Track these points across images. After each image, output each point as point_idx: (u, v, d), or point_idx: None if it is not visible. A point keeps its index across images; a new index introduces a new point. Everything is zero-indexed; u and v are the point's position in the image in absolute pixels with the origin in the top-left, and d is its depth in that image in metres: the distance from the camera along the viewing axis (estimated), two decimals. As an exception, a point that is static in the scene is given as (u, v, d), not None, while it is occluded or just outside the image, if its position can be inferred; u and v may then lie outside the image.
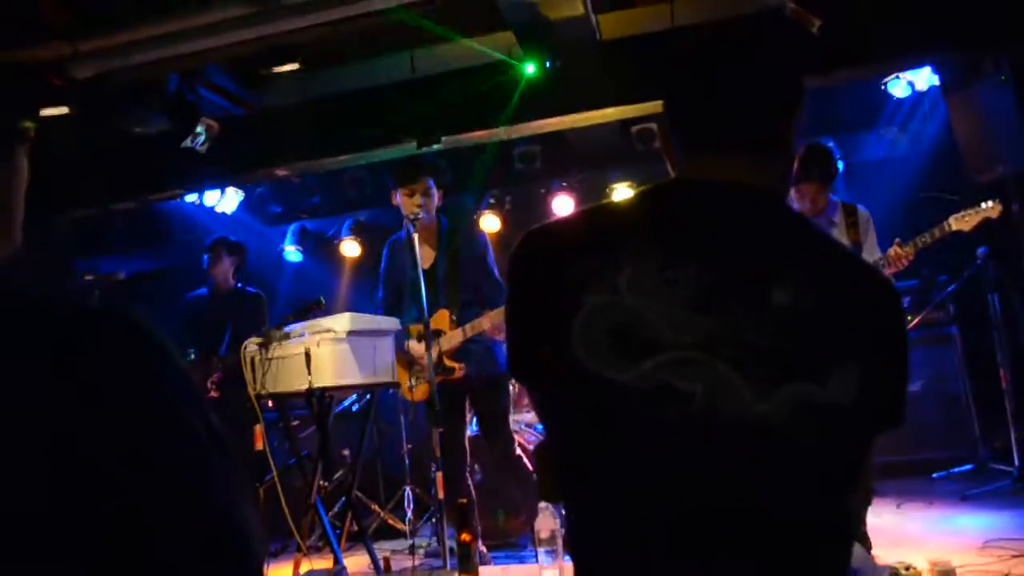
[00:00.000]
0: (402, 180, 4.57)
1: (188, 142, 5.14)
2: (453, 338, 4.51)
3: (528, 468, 4.93)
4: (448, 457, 4.40)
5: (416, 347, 4.59)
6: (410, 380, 4.64)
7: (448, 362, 4.52)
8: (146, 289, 5.57)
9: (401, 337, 4.67)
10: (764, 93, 1.32)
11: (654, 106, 5.22)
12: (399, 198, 4.57)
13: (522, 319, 1.30)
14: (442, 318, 4.57)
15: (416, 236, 4.27)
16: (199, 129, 5.13)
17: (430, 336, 4.22)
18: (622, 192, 7.22)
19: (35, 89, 3.81)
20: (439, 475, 4.16)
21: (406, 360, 4.68)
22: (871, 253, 4.29)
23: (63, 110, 4.49)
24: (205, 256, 5.97)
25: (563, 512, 1.33)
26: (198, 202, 6.65)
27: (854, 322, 1.17)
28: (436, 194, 4.63)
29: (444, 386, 4.45)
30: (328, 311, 4.59)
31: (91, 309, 0.94)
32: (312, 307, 4.49)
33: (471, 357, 4.57)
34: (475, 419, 4.99)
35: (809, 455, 1.13)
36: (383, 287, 4.81)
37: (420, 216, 4.40)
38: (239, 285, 6.01)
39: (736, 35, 1.36)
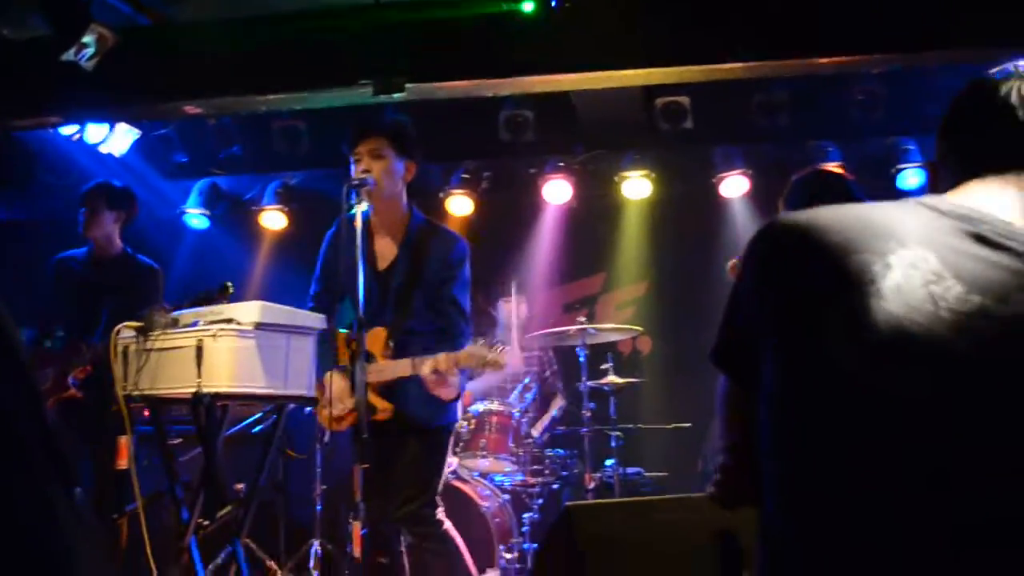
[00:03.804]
0: (348, 139, 4.43)
1: (71, 54, 5.05)
2: (386, 370, 4.33)
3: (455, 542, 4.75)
4: (373, 507, 4.25)
5: (333, 377, 4.38)
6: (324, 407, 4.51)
7: (373, 399, 4.32)
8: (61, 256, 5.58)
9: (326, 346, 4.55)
10: None
11: (685, 72, 5.23)
12: (352, 170, 4.36)
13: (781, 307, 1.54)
14: (376, 339, 4.39)
15: (369, 218, 4.24)
16: (87, 39, 5.05)
17: (363, 351, 4.11)
18: (635, 183, 7.22)
19: None
20: (355, 527, 4.09)
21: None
22: None
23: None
24: (80, 210, 5.79)
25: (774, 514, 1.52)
26: (77, 137, 6.59)
27: None
28: (396, 163, 4.42)
29: (380, 426, 4.27)
30: (236, 298, 4.52)
31: None
32: (214, 296, 4.40)
33: (407, 397, 4.42)
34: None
35: None
36: (318, 281, 4.66)
37: (367, 183, 4.28)
38: (127, 250, 5.88)
39: None
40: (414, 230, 4.47)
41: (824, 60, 5.04)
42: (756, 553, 1.55)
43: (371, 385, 4.28)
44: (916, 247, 1.45)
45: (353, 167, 4.36)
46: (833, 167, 6.63)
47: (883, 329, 1.41)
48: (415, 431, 4.42)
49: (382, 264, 4.48)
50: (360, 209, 4.17)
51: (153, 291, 5.57)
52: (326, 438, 4.75)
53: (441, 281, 4.41)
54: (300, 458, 6.23)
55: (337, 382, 4.38)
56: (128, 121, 6.58)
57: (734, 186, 7.25)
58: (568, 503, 3.41)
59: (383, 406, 4.35)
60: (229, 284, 4.43)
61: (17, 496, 0.93)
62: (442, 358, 4.18)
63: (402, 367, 4.28)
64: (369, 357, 4.30)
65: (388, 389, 4.37)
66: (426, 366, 4.18)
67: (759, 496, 1.55)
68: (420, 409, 4.38)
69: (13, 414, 0.95)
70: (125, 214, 5.83)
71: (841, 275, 1.46)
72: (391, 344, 4.38)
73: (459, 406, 4.57)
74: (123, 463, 4.25)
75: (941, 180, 1.69)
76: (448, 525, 4.58)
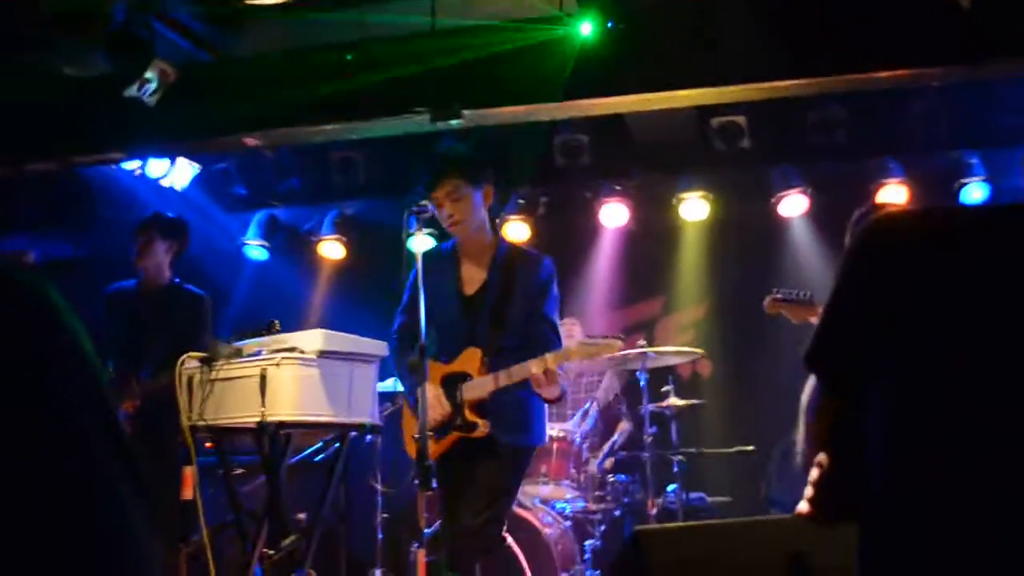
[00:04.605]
0: (426, 184, 4.50)
1: (134, 90, 5.15)
2: (481, 386, 4.40)
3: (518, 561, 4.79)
4: (450, 527, 4.40)
5: (429, 396, 4.46)
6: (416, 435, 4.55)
7: (470, 415, 4.41)
8: (61, 279, 5.56)
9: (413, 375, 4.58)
10: None
11: (745, 91, 5.19)
12: (433, 210, 4.45)
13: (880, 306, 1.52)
14: (472, 358, 4.46)
15: (456, 247, 4.48)
16: (150, 75, 5.14)
17: (425, 376, 4.12)
18: (692, 204, 7.18)
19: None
20: (420, 555, 4.08)
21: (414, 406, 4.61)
22: None
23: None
24: (134, 239, 5.81)
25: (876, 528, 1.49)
26: (139, 172, 6.69)
27: None
28: (473, 197, 4.52)
29: (460, 446, 4.40)
30: (297, 328, 4.56)
31: None
32: (262, 332, 4.44)
33: (497, 415, 4.47)
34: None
35: None
36: (404, 312, 4.70)
37: (456, 226, 4.43)
38: (176, 280, 5.87)
39: None
40: (502, 253, 4.57)
41: (882, 74, 4.98)
42: (867, 568, 1.50)
43: (468, 403, 4.41)
44: None
45: (435, 212, 4.43)
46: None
47: (1013, 339, 1.39)
48: (501, 449, 4.45)
49: (470, 288, 4.56)
50: (420, 235, 4.36)
51: (200, 320, 5.57)
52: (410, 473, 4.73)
53: (533, 300, 4.50)
54: (362, 489, 6.23)
55: (431, 390, 4.39)
56: (188, 155, 6.66)
57: (793, 205, 7.16)
58: (637, 527, 3.37)
59: (482, 423, 4.39)
60: (276, 322, 4.47)
61: (86, 491, 0.93)
62: (550, 356, 4.25)
63: (502, 376, 4.34)
64: (466, 377, 4.43)
65: (482, 408, 4.43)
66: (533, 365, 4.23)
67: (857, 510, 1.51)
68: (509, 428, 4.45)
69: (80, 409, 0.95)
70: (177, 244, 5.84)
71: (971, 287, 1.44)
72: (487, 361, 4.44)
73: (546, 428, 4.66)
74: (188, 493, 4.27)
75: None
76: (511, 542, 4.62)
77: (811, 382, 1.67)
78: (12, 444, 0.88)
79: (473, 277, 4.58)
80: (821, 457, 1.64)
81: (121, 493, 0.95)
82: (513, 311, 4.50)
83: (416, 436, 4.38)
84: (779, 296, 4.74)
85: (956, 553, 1.39)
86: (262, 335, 4.40)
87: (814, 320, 4.48)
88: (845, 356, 1.58)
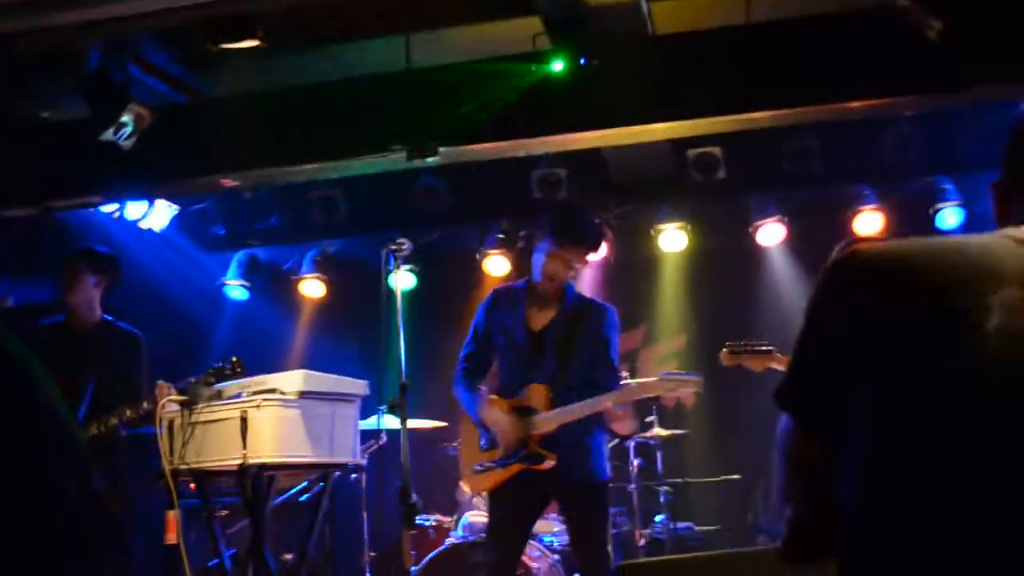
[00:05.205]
0: (563, 238, 4.59)
1: (110, 134, 5.15)
2: (550, 420, 4.52)
3: None
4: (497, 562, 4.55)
5: (502, 418, 4.57)
6: (481, 462, 4.64)
7: (537, 448, 4.51)
8: (37, 323, 5.51)
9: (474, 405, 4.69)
10: None
11: (715, 123, 5.23)
12: (542, 252, 4.61)
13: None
14: (538, 393, 4.59)
15: (526, 289, 4.70)
16: (125, 118, 5.15)
17: (405, 411, 4.15)
18: (670, 235, 7.21)
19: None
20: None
21: (480, 431, 4.70)
22: None
23: (-51, 81, 4.51)
24: (61, 274, 5.44)
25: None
26: (117, 214, 6.67)
27: None
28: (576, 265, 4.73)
29: (518, 481, 4.51)
30: (280, 368, 4.56)
31: None
32: (226, 372, 4.44)
33: (560, 451, 4.54)
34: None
35: None
36: (473, 343, 4.86)
37: (554, 283, 4.59)
38: (107, 317, 5.48)
39: None
40: (571, 297, 4.74)
41: (854, 104, 5.03)
42: None
43: (534, 437, 4.54)
44: (1014, 287, 1.42)
45: (546, 249, 4.58)
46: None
47: (991, 374, 1.38)
48: (577, 489, 4.59)
49: (537, 325, 4.70)
50: (400, 273, 4.51)
51: (137, 361, 5.31)
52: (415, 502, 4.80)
53: (600, 347, 4.68)
54: (346, 527, 6.19)
55: (504, 417, 4.58)
56: (167, 197, 6.66)
57: (771, 234, 7.21)
58: (620, 562, 3.37)
59: (549, 455, 4.50)
60: (237, 360, 4.48)
61: (64, 556, 0.93)
62: (627, 390, 4.50)
63: (574, 410, 4.47)
64: (530, 411, 4.57)
65: (548, 442, 4.54)
66: (609, 399, 4.41)
67: (837, 548, 1.50)
68: (580, 466, 4.58)
69: (58, 474, 0.95)
70: (107, 279, 5.45)
71: (941, 316, 1.43)
72: (552, 397, 4.56)
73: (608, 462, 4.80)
74: (172, 538, 4.25)
75: (1014, 209, 1.64)
76: None
77: (783, 419, 1.66)
78: None
79: (540, 316, 4.73)
80: (796, 494, 1.62)
81: (91, 537, 0.95)
82: (579, 352, 4.65)
83: (477, 467, 4.64)
84: (735, 348, 4.76)
85: None
86: (225, 376, 4.40)
87: (776, 367, 4.51)
88: (816, 393, 1.56)
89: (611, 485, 6.69)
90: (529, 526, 4.81)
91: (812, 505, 1.60)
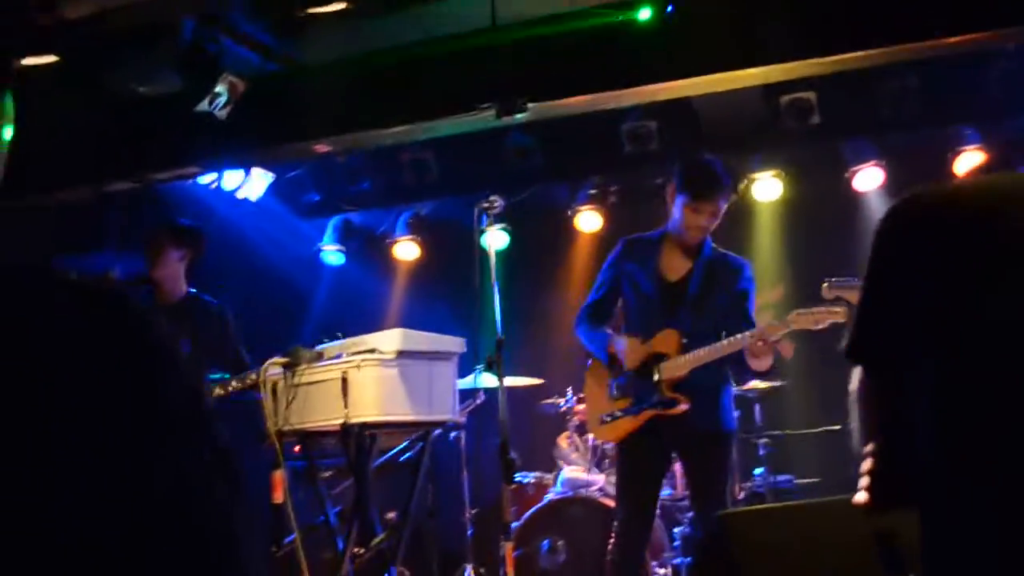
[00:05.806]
0: (697, 191, 4.66)
1: (205, 105, 5.24)
2: (680, 366, 4.55)
3: None
4: (623, 537, 4.57)
5: (631, 342, 4.62)
6: (610, 411, 4.66)
7: (669, 393, 4.54)
8: (144, 295, 5.64)
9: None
10: None
11: (810, 66, 5.11)
12: (679, 206, 4.66)
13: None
14: (670, 339, 4.62)
15: (664, 237, 4.75)
16: (220, 89, 5.22)
17: (502, 367, 4.17)
18: (765, 184, 7.08)
19: (15, 28, 3.92)
20: (508, 548, 4.10)
21: (608, 381, 4.74)
22: None
23: (49, 59, 4.61)
24: (145, 250, 5.48)
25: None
26: (215, 185, 6.79)
27: None
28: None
29: (648, 428, 4.55)
30: (377, 329, 4.61)
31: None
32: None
33: (696, 402, 4.57)
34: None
35: None
36: (602, 288, 4.91)
37: (700, 235, 4.67)
38: (191, 291, 5.52)
39: None
40: (707, 251, 4.78)
41: (952, 39, 4.86)
42: (931, 552, 1.47)
43: (666, 382, 4.58)
44: None
45: (681, 203, 4.65)
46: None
47: None
48: (705, 436, 4.63)
49: (672, 276, 4.75)
50: (492, 232, 4.57)
51: (227, 330, 5.36)
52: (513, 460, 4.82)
53: (738, 300, 4.74)
54: (448, 485, 6.26)
55: (628, 340, 4.65)
56: (262, 165, 6.75)
57: (868, 179, 7.02)
58: (721, 511, 3.36)
59: (681, 399, 4.53)
60: (339, 335, 4.51)
61: (189, 494, 0.97)
62: (766, 327, 4.48)
63: (705, 352, 4.50)
64: (662, 357, 4.61)
65: (679, 387, 4.58)
66: (750, 336, 4.43)
67: (915, 497, 1.47)
68: (710, 414, 4.63)
69: (181, 415, 0.99)
70: (191, 252, 5.48)
71: (1003, 249, 1.39)
72: (684, 343, 4.60)
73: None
74: (279, 497, 4.33)
75: None
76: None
77: (857, 371, 1.63)
78: (118, 449, 0.91)
79: (676, 266, 4.77)
80: (871, 447, 1.60)
81: (222, 496, 0.97)
82: (714, 303, 4.70)
83: (606, 417, 4.68)
84: (838, 281, 4.68)
85: (1014, 533, 1.35)
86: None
87: None
88: (887, 342, 1.54)
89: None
90: (661, 477, 4.85)
91: (888, 454, 1.58)
